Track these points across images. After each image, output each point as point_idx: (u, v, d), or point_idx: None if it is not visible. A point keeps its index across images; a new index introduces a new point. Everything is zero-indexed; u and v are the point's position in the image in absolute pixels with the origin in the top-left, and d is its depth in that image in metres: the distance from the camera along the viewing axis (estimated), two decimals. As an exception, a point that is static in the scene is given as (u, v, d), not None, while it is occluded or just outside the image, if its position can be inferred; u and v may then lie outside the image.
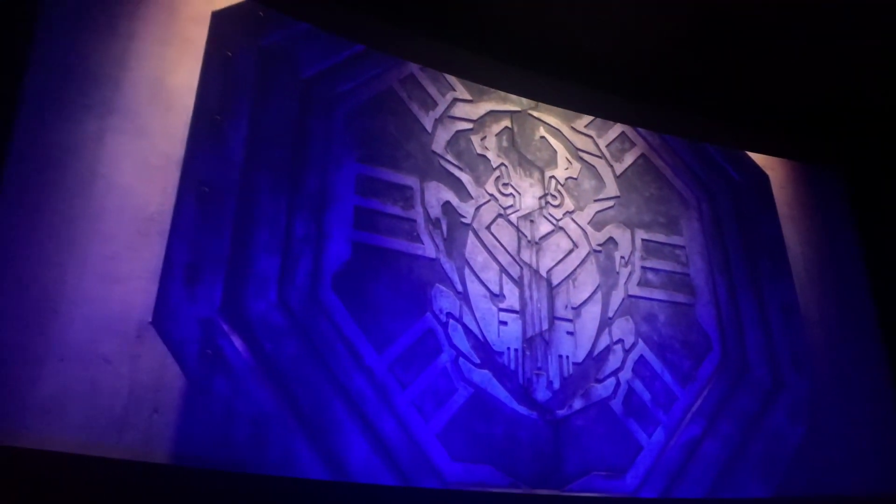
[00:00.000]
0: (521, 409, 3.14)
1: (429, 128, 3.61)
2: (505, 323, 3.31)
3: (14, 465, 2.37)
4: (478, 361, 3.16)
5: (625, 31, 4.04)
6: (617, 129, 4.21)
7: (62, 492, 2.44)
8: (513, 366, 3.22)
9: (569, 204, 3.82)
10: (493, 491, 2.95)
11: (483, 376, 3.14)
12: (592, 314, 3.53)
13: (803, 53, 4.19)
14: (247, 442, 2.57)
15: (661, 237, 3.95)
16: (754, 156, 4.55)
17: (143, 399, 2.59)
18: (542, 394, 3.21)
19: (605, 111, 4.29)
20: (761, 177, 4.46)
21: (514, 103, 3.99)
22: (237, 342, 2.69)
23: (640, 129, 4.27)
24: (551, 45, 4.13)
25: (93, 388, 2.54)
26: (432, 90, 3.74)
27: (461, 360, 3.12)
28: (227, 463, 2.53)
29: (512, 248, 3.53)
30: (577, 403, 3.27)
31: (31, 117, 2.78)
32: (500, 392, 3.14)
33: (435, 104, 3.71)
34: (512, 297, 3.39)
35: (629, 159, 4.14)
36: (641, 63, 4.28)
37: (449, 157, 3.59)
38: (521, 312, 3.37)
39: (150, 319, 2.65)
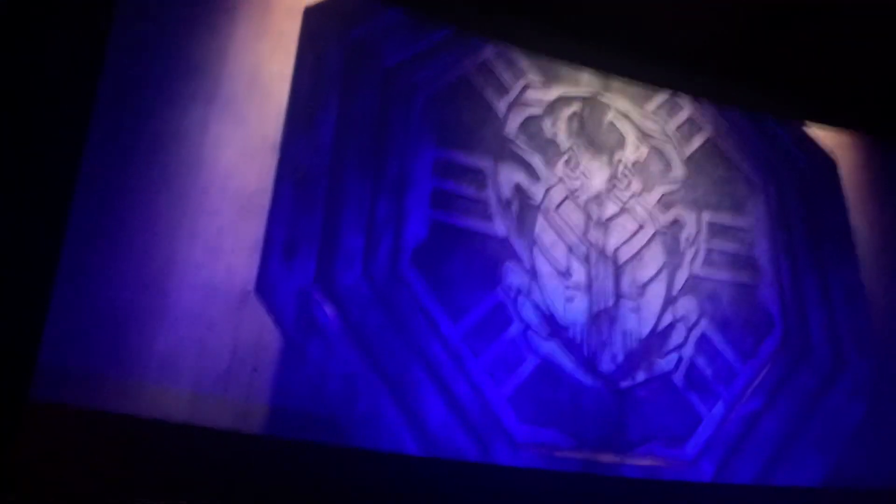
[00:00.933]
0: (586, 379, 3.35)
1: (501, 113, 3.81)
2: (572, 299, 3.51)
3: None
4: (545, 334, 3.38)
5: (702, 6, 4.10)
6: (685, 112, 4.30)
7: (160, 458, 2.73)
8: (579, 339, 3.42)
9: (636, 186, 3.96)
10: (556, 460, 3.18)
11: (550, 347, 3.36)
12: (657, 292, 3.69)
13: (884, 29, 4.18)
14: (337, 397, 2.89)
15: (726, 219, 4.05)
16: (823, 140, 4.56)
17: (244, 359, 2.92)
18: (606, 366, 3.41)
19: (677, 83, 4.39)
20: (829, 161, 4.48)
21: (584, 88, 4.13)
22: (329, 310, 2.99)
23: (708, 113, 4.35)
24: (624, 20, 4.24)
25: (201, 346, 2.87)
26: (505, 77, 3.92)
27: (530, 332, 3.34)
28: (320, 415, 2.83)
29: (579, 228, 3.71)
30: (641, 376, 3.46)
31: (142, 105, 3.13)
32: (567, 363, 3.35)
33: (507, 90, 3.89)
34: (579, 275, 3.58)
35: (697, 142, 4.24)
36: (719, 37, 4.32)
37: (520, 142, 3.78)
38: (587, 289, 3.55)
39: (250, 289, 2.97)
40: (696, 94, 4.41)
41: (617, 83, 4.20)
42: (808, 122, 4.64)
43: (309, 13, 3.45)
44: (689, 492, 3.38)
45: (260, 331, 2.96)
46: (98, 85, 3.04)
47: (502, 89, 3.88)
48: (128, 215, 2.95)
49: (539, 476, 3.16)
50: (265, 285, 2.93)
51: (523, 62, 3.99)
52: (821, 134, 4.63)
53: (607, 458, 3.24)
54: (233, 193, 3.12)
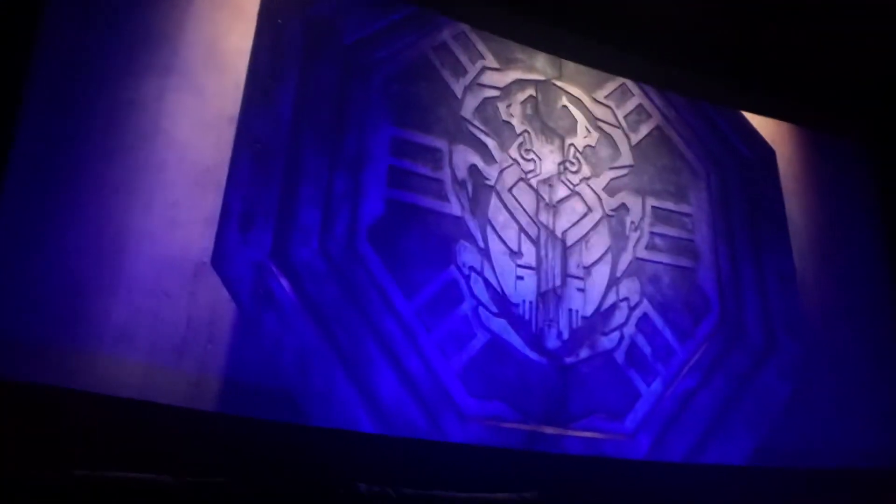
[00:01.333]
0: (533, 356, 3.47)
1: (459, 94, 3.87)
2: (521, 278, 3.62)
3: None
4: (495, 311, 3.48)
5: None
6: (634, 100, 4.44)
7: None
8: (527, 316, 3.54)
9: (586, 170, 4.09)
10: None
11: (499, 324, 3.47)
12: (602, 273, 3.83)
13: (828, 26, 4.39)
14: (292, 370, 2.93)
15: (670, 205, 4.22)
16: (764, 131, 4.78)
17: (199, 330, 2.93)
18: (552, 342, 3.54)
19: (629, 72, 4.55)
20: (769, 151, 4.70)
21: (539, 73, 4.22)
22: (284, 283, 3.03)
23: (656, 102, 4.50)
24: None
25: (155, 318, 2.88)
26: (463, 58, 3.99)
27: (480, 308, 3.45)
28: (274, 387, 2.89)
29: (531, 209, 3.82)
30: (584, 353, 3.60)
31: (97, 73, 3.09)
32: (515, 339, 3.47)
33: (465, 71, 3.96)
34: (529, 255, 3.69)
35: (644, 130, 4.38)
36: (669, 24, 4.49)
37: (476, 123, 3.86)
38: (536, 269, 3.67)
39: (205, 260, 2.99)
40: (646, 81, 4.57)
41: (570, 70, 4.31)
42: (749, 113, 4.85)
43: (268, -13, 3.45)
44: (627, 469, 3.54)
45: (215, 303, 2.98)
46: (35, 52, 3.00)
47: (460, 70, 3.94)
48: (81, 186, 2.92)
49: (483, 453, 3.27)
50: (221, 257, 2.95)
51: (481, 45, 4.06)
52: (762, 125, 4.84)
53: (551, 430, 3.38)
54: (189, 165, 3.12)
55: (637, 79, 4.54)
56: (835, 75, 4.95)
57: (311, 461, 2.91)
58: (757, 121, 4.84)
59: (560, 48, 4.36)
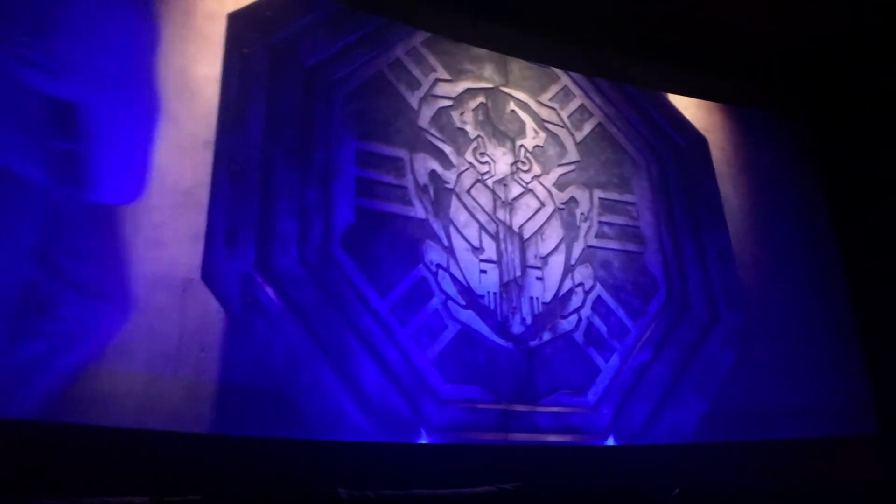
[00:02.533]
0: (500, 341, 3.79)
1: (415, 106, 4.17)
2: (485, 271, 3.93)
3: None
4: (463, 303, 3.79)
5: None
6: (576, 101, 4.80)
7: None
8: (492, 306, 3.86)
9: (536, 169, 4.42)
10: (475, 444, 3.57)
11: (468, 315, 3.77)
12: (557, 262, 4.17)
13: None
14: (282, 369, 3.19)
15: (615, 195, 4.58)
16: (697, 122, 5.18)
17: (191, 340, 3.15)
18: (517, 328, 3.86)
19: (566, 63, 4.92)
20: (702, 140, 5.11)
21: (487, 81, 4.55)
22: (269, 291, 3.29)
23: (596, 100, 4.86)
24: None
25: (150, 332, 3.09)
26: (416, 72, 4.29)
27: (450, 302, 3.75)
28: (267, 386, 3.14)
29: (489, 208, 4.13)
30: (546, 335, 3.93)
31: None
32: (483, 328, 3.78)
33: (419, 84, 4.26)
34: (490, 250, 4.01)
35: (588, 128, 4.74)
36: (597, 10, 4.85)
37: (433, 132, 4.16)
38: (497, 262, 3.99)
39: (192, 276, 3.22)
40: (581, 71, 4.93)
41: (515, 76, 4.65)
42: (681, 96, 5.25)
43: (232, 18, 3.69)
44: (599, 456, 3.84)
45: (204, 314, 3.20)
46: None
47: (414, 84, 4.24)
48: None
49: (459, 451, 3.54)
50: (210, 272, 3.19)
51: (432, 58, 4.37)
52: (696, 108, 5.25)
53: (521, 407, 3.70)
54: (169, 189, 3.33)
55: (572, 69, 4.90)
56: (762, 50, 5.32)
57: (288, 471, 3.08)
58: (691, 104, 5.25)
59: (502, 45, 4.71)
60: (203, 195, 3.36)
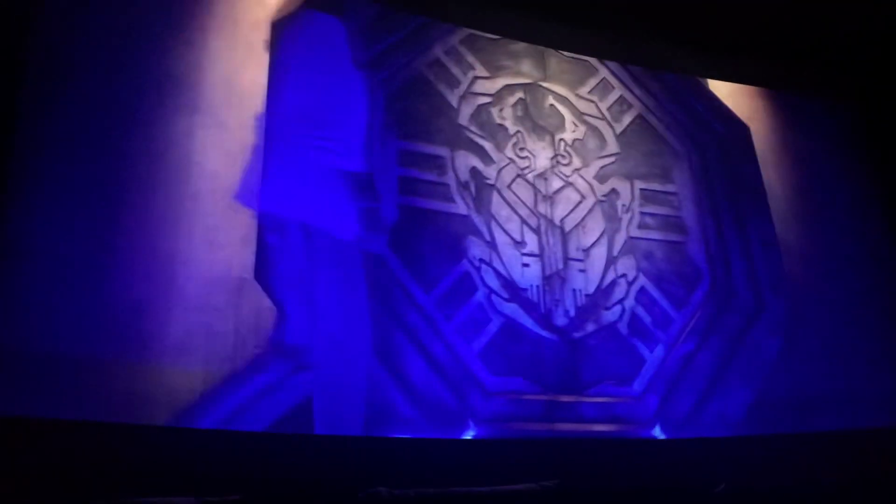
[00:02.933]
0: (544, 333, 3.84)
1: (455, 104, 4.24)
2: (527, 265, 4.00)
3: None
4: (507, 297, 3.86)
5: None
6: (615, 93, 4.81)
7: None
8: (535, 299, 3.92)
9: (576, 162, 4.46)
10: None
11: (512, 308, 3.84)
12: (600, 254, 4.20)
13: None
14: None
15: (656, 186, 4.59)
16: (738, 109, 5.14)
17: (246, 338, 3.31)
18: (560, 320, 3.92)
19: (604, 53, 4.95)
20: (743, 128, 5.07)
21: (525, 76, 4.59)
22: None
23: (636, 92, 4.87)
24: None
25: (208, 331, 3.23)
26: (455, 70, 4.36)
27: (493, 296, 3.82)
28: (320, 381, 3.27)
29: (530, 202, 4.19)
30: (590, 327, 3.97)
31: (132, 118, 3.46)
32: (527, 320, 3.84)
33: (458, 83, 4.33)
34: (532, 244, 4.07)
35: (627, 119, 4.75)
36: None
37: (473, 129, 4.23)
38: (539, 255, 4.05)
39: (245, 276, 3.36)
40: (624, 61, 4.95)
41: (553, 70, 4.68)
42: (725, 81, 5.21)
43: (276, 26, 3.82)
44: (639, 451, 3.84)
45: (258, 312, 3.35)
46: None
47: (454, 82, 4.31)
48: (131, 219, 3.29)
49: (497, 447, 3.58)
50: (262, 272, 3.33)
51: (470, 57, 4.44)
52: (739, 94, 5.21)
53: (566, 398, 3.75)
54: (221, 193, 3.47)
55: (609, 57, 4.92)
56: (807, 31, 5.24)
57: (328, 470, 3.15)
58: (732, 91, 5.22)
59: (538, 37, 4.75)
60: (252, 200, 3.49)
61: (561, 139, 4.47)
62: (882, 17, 5.00)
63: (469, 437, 3.50)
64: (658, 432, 3.88)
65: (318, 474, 3.12)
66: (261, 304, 3.34)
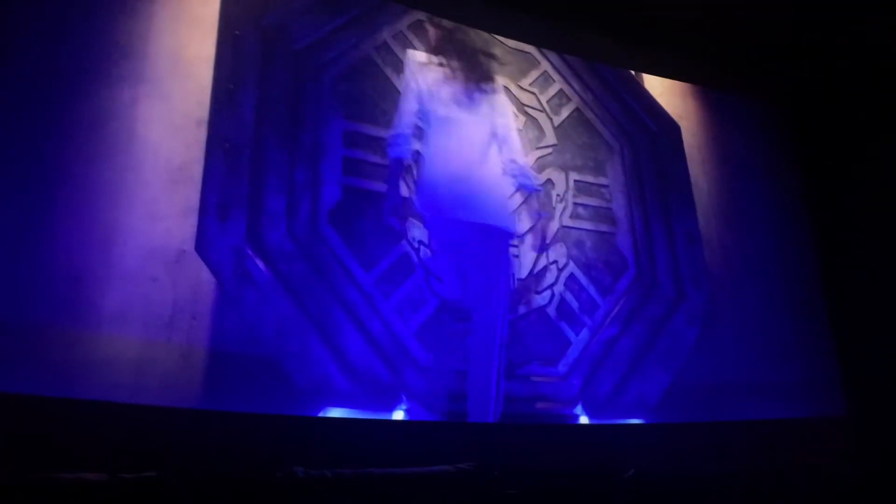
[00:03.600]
0: (477, 315, 4.01)
1: (400, 88, 4.33)
2: (464, 248, 4.14)
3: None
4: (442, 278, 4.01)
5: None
6: (555, 86, 4.98)
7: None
8: (471, 281, 4.08)
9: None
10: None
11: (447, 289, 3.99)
12: (531, 241, 4.39)
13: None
14: (272, 338, 3.39)
15: (590, 178, 4.79)
16: (670, 108, 5.40)
17: (183, 309, 3.32)
18: (493, 303, 4.09)
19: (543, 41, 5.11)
20: (674, 126, 5.32)
21: (469, 65, 4.71)
22: (260, 264, 3.47)
23: (575, 86, 5.05)
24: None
25: (145, 301, 3.25)
26: (402, 55, 4.45)
27: (430, 277, 3.96)
28: (257, 354, 3.34)
29: (469, 188, 4.32)
30: (521, 310, 4.15)
31: (75, 87, 3.43)
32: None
33: (404, 67, 4.42)
34: (471, 228, 4.21)
35: (565, 112, 4.93)
36: None
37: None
38: (476, 240, 4.20)
39: (185, 248, 3.39)
40: (564, 51, 5.13)
41: (497, 62, 4.81)
42: (658, 76, 5.46)
43: (225, 2, 3.83)
44: (558, 435, 4.02)
45: (196, 284, 3.37)
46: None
47: (400, 66, 4.39)
48: (69, 187, 3.27)
49: (418, 428, 3.68)
50: (204, 244, 3.36)
51: (417, 43, 4.52)
52: (669, 103, 5.46)
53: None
54: (163, 165, 3.47)
55: (549, 47, 5.09)
56: (742, 33, 5.49)
57: (246, 448, 3.14)
58: (666, 90, 5.46)
59: (482, 21, 4.87)
60: (196, 171, 3.52)
61: (502, 128, 4.61)
62: (814, 20, 5.27)
63: (399, 416, 3.62)
64: (580, 410, 4.09)
65: (236, 453, 3.11)
66: (198, 277, 3.38)
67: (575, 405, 4.09)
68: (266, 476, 2.92)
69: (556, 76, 5.02)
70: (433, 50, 4.52)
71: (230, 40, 3.78)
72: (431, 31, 4.55)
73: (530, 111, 4.79)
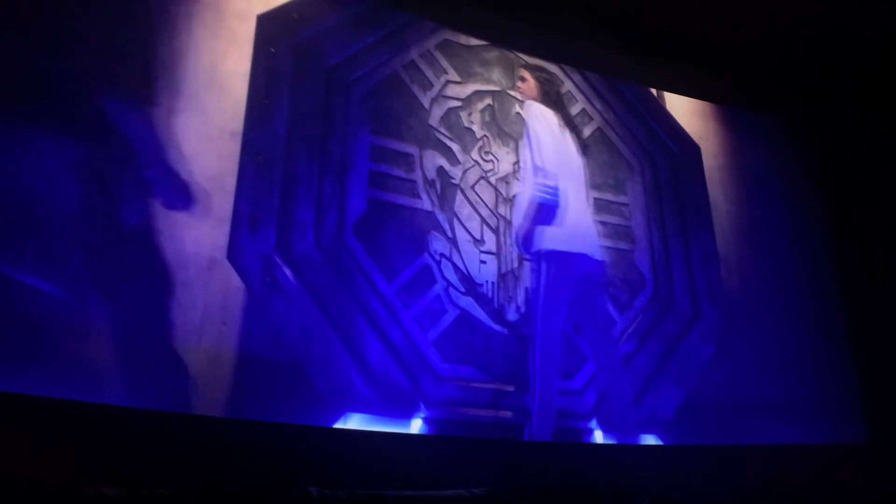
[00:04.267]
0: (496, 327, 4.11)
1: (426, 105, 4.46)
2: (485, 262, 4.25)
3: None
4: (463, 290, 4.11)
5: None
6: (578, 105, 5.08)
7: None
8: (490, 294, 4.17)
9: (537, 168, 4.72)
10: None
11: (467, 302, 4.09)
12: (552, 256, 4.48)
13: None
14: (296, 342, 3.51)
15: (609, 196, 4.88)
16: (690, 130, 5.48)
17: (213, 314, 3.45)
18: (512, 316, 4.18)
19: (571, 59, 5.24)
20: (694, 147, 5.40)
21: (495, 84, 4.84)
22: (287, 272, 3.60)
23: (597, 106, 5.16)
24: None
25: (178, 304, 3.42)
26: (429, 74, 4.58)
27: (451, 289, 4.06)
28: (282, 358, 3.46)
29: (491, 203, 4.44)
30: (539, 324, 4.26)
31: (116, 99, 3.60)
32: (480, 314, 4.10)
33: (431, 85, 4.55)
34: (490, 242, 4.32)
35: (587, 131, 5.02)
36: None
37: (442, 130, 4.46)
38: (497, 254, 4.31)
39: (216, 255, 3.53)
40: (586, 68, 5.24)
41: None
42: (677, 101, 5.54)
43: (261, 20, 3.99)
44: (573, 456, 4.06)
45: (226, 291, 3.50)
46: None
47: (427, 84, 4.53)
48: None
49: (437, 443, 3.75)
50: (235, 252, 3.50)
51: (444, 61, 4.66)
52: (690, 124, 5.53)
53: (512, 388, 4.02)
54: (198, 175, 3.62)
55: (571, 63, 5.20)
56: (762, 49, 5.59)
57: (262, 462, 3.19)
58: (687, 111, 5.54)
59: (505, 37, 5.01)
60: (229, 182, 3.66)
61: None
62: (833, 36, 5.33)
63: (417, 424, 3.72)
64: (594, 425, 4.17)
65: (255, 464, 3.16)
66: (229, 283, 3.51)
67: (590, 419, 4.16)
68: (281, 495, 2.96)
69: (578, 96, 5.13)
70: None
71: (265, 57, 3.94)
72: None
73: (553, 130, 4.89)
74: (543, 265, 4.16)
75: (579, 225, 4.32)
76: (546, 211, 4.20)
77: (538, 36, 5.16)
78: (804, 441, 4.76)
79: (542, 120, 4.48)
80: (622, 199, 4.93)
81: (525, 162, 4.47)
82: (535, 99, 4.68)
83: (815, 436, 4.84)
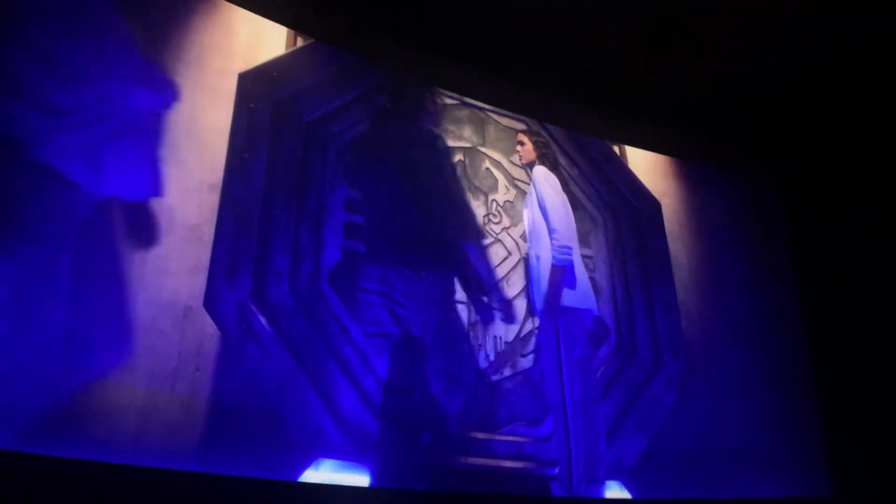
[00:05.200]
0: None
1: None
2: (455, 311, 4.39)
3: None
4: (434, 339, 4.24)
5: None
6: (545, 162, 5.32)
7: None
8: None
9: (506, 221, 4.92)
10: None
11: (438, 350, 4.22)
12: (521, 306, 4.63)
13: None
14: (271, 389, 3.58)
15: (575, 249, 5.08)
16: (651, 186, 5.74)
17: (188, 361, 3.52)
18: (481, 363, 4.31)
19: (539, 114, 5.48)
20: (655, 203, 5.66)
21: (466, 141, 5.06)
22: (262, 319, 3.69)
23: (562, 163, 5.40)
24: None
25: (153, 352, 3.46)
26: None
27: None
28: (256, 404, 3.52)
29: (461, 254, 4.61)
30: (507, 371, 4.37)
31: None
32: (450, 361, 4.22)
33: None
34: (461, 292, 4.47)
35: (554, 187, 5.25)
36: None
37: (414, 184, 4.64)
38: (467, 303, 4.45)
39: (191, 304, 3.62)
40: (550, 122, 5.49)
41: (491, 137, 5.16)
42: (640, 160, 5.80)
43: (242, 78, 4.17)
44: None
45: (201, 338, 3.58)
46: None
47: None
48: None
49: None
50: (212, 300, 3.59)
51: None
52: (651, 181, 5.80)
53: (482, 435, 4.11)
54: (177, 225, 3.72)
55: (536, 117, 5.47)
56: (725, 105, 5.88)
57: None
58: (649, 168, 5.80)
59: (472, 90, 5.26)
60: (207, 232, 3.76)
61: (493, 199, 4.93)
62: (793, 91, 5.63)
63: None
64: (557, 471, 4.26)
65: None
66: (204, 331, 3.58)
67: (555, 467, 4.26)
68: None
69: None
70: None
71: (245, 112, 4.09)
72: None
73: (520, 185, 5.11)
74: (561, 321, 4.28)
75: (582, 280, 4.46)
76: (568, 273, 4.36)
77: (505, 90, 5.41)
78: (769, 493, 4.88)
79: (550, 182, 4.64)
80: (587, 251, 5.12)
81: (533, 224, 4.61)
82: (533, 162, 4.87)
83: (780, 488, 4.96)
